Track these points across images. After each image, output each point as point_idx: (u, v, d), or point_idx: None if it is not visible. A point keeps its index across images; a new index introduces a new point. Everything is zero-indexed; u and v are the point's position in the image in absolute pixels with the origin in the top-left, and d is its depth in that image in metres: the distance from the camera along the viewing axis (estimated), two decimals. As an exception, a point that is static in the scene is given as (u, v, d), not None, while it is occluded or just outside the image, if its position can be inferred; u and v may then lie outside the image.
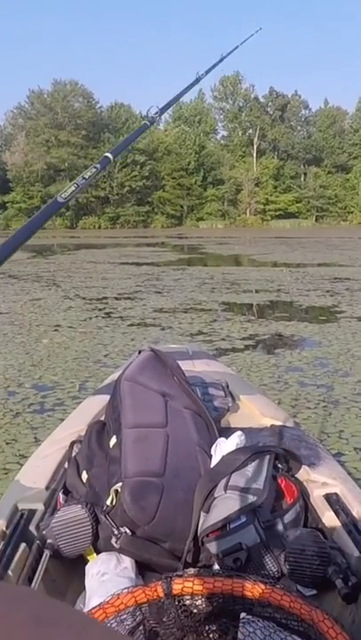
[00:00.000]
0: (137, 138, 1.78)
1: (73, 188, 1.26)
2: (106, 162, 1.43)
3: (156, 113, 1.77)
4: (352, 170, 65.02)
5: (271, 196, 62.76)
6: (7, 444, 4.07)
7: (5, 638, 0.28)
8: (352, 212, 63.63)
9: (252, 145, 66.22)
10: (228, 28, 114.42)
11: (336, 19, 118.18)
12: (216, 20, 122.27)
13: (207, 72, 2.24)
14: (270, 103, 67.28)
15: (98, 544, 1.54)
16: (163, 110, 1.80)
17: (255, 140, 65.87)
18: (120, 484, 1.52)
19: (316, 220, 63.40)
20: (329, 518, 1.63)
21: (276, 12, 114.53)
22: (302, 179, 65.81)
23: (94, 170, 1.36)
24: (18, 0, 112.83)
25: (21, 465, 2.06)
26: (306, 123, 69.33)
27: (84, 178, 1.32)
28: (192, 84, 2.11)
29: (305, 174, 65.72)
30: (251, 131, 67.53)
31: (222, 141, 69.65)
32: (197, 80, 2.16)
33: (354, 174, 64.38)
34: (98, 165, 1.38)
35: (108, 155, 1.44)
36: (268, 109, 67.27)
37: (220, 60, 2.37)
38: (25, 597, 0.32)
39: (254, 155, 65.60)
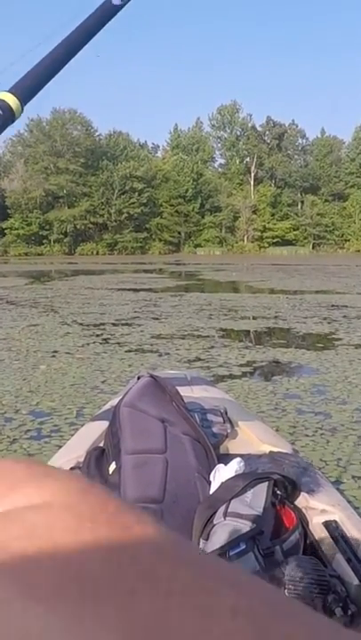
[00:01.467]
0: None
1: None
2: None
3: None
4: (349, 198, 65.68)
5: (268, 223, 63.30)
6: (4, 470, 4.04)
7: None
8: (349, 240, 64.10)
9: (250, 173, 66.93)
10: (227, 59, 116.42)
11: (334, 49, 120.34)
12: (214, 51, 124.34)
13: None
14: (267, 132, 68.23)
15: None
16: None
17: (252, 168, 66.60)
18: (119, 510, 1.52)
19: (313, 248, 63.83)
20: (328, 546, 1.62)
21: (274, 42, 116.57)
22: (299, 206, 66.43)
23: None
24: (15, 30, 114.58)
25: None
26: (303, 151, 70.23)
27: None
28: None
29: (302, 202, 66.35)
30: (248, 159, 68.35)
31: (220, 169, 70.46)
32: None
33: (351, 202, 64.99)
34: None
35: None
36: (266, 138, 68.19)
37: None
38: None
39: (252, 182, 66.25)
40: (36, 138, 62.09)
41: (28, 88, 0.64)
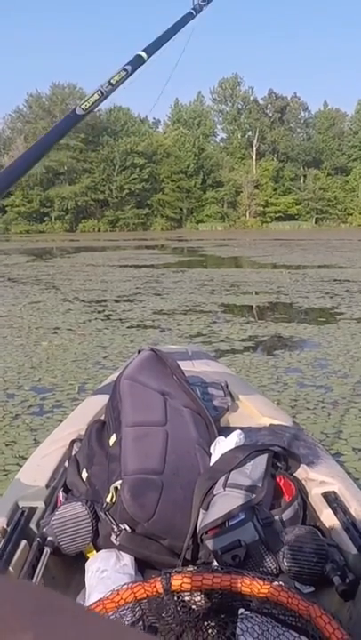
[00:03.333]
0: (177, 33, 1.41)
1: (96, 97, 1.09)
2: (139, 63, 1.20)
3: (204, 1, 1.52)
4: (352, 172, 65.13)
5: (271, 198, 62.88)
6: (7, 445, 4.08)
7: (8, 626, 0.29)
8: (352, 214, 63.71)
9: (252, 147, 66.33)
10: (228, 31, 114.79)
11: (335, 21, 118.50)
12: (215, 23, 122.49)
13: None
14: (269, 105, 67.44)
15: (98, 541, 1.55)
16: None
17: (254, 142, 65.99)
18: (120, 481, 1.53)
19: (315, 223, 63.48)
20: (327, 516, 1.64)
21: (276, 14, 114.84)
22: (302, 181, 65.92)
23: (124, 73, 1.14)
24: (17, 4, 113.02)
25: (21, 466, 2.07)
26: (305, 125, 69.49)
27: (110, 84, 1.11)
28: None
29: (304, 176, 65.82)
30: (250, 133, 67.66)
31: (221, 144, 69.79)
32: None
33: (353, 176, 64.47)
34: (128, 67, 1.16)
35: (141, 53, 1.20)
36: (268, 111, 67.43)
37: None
38: (28, 589, 0.33)
39: (254, 157, 65.71)
40: (35, 114, 61.49)
41: (6, 181, 0.74)
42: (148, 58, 1.19)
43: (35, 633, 0.29)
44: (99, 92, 1.07)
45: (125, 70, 1.13)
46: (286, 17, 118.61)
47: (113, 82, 1.10)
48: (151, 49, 1.20)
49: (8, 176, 0.84)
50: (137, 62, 1.17)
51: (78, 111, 1.04)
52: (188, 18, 1.43)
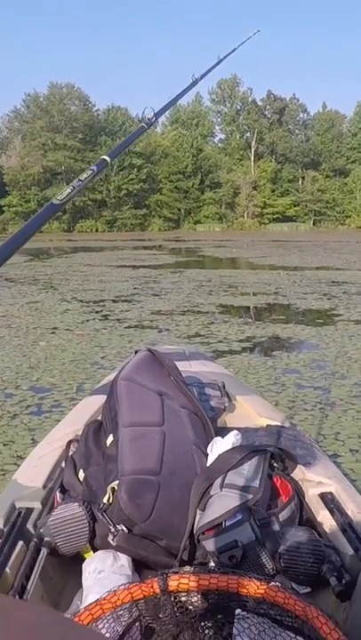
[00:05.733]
0: (134, 140, 1.77)
1: (69, 190, 1.26)
2: (103, 164, 1.41)
3: (153, 116, 1.76)
4: (350, 174, 65.09)
5: (269, 199, 62.83)
6: (5, 445, 4.08)
7: None
8: (350, 216, 63.66)
9: (250, 148, 66.30)
10: (227, 31, 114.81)
11: (335, 22, 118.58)
12: (214, 25, 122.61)
13: (203, 76, 2.19)
14: (268, 106, 67.36)
15: (95, 542, 1.55)
16: (159, 113, 1.78)
17: (253, 143, 65.95)
18: (117, 482, 1.53)
19: (313, 224, 63.46)
20: (324, 517, 1.64)
21: (275, 15, 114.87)
22: (300, 182, 65.89)
23: (90, 172, 1.34)
24: (15, 3, 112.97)
25: (18, 466, 2.07)
26: (304, 126, 69.45)
27: (80, 180, 1.31)
28: (188, 88, 2.07)
29: (303, 178, 65.78)
30: (248, 134, 67.61)
31: (220, 144, 69.71)
32: (194, 83, 2.10)
33: (352, 178, 64.44)
34: (94, 167, 1.37)
35: (105, 157, 1.43)
36: (266, 113, 67.36)
37: (218, 63, 2.32)
38: (12, 608, 0.33)
39: (252, 158, 65.66)
40: (33, 113, 61.39)
41: None
42: (111, 161, 1.45)
43: None
44: (71, 187, 1.27)
45: (92, 170, 1.35)
46: (285, 18, 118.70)
47: (82, 179, 1.32)
48: (113, 154, 1.48)
49: None
50: (101, 164, 1.40)
51: (55, 202, 1.21)
52: (141, 130, 1.74)
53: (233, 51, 2.48)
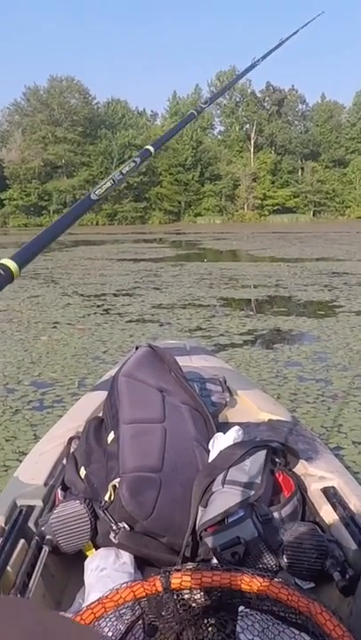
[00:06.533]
0: (182, 129, 1.62)
1: (109, 184, 1.16)
2: (146, 154, 1.33)
3: (205, 102, 1.68)
4: (349, 164, 64.97)
5: (269, 191, 62.73)
6: (7, 440, 4.08)
7: None
8: (350, 207, 63.58)
9: (250, 140, 66.12)
10: (226, 26, 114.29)
11: (332, 14, 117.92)
12: (214, 19, 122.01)
13: (264, 57, 2.16)
14: (267, 98, 67.17)
15: (96, 539, 1.55)
16: (212, 100, 1.71)
17: (252, 135, 65.77)
18: (118, 479, 1.53)
19: (313, 215, 63.36)
20: (326, 512, 1.63)
21: (272, 5, 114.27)
22: (300, 173, 65.76)
23: (133, 164, 1.26)
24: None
25: (21, 462, 2.07)
26: (303, 117, 69.25)
27: (121, 173, 1.22)
28: (247, 70, 2.08)
29: (302, 169, 65.65)
30: (248, 126, 67.41)
31: (219, 137, 69.57)
32: (253, 66, 2.10)
33: (351, 169, 64.32)
34: (137, 159, 1.28)
35: (149, 147, 1.35)
36: (265, 104, 67.17)
37: (279, 45, 2.19)
38: (20, 611, 0.33)
39: (251, 150, 65.50)
40: (33, 107, 61.28)
41: (25, 256, 0.87)
42: (155, 151, 1.36)
43: None
44: (111, 180, 1.16)
45: (135, 162, 1.25)
46: (283, 9, 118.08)
47: (123, 172, 1.22)
48: (157, 144, 1.38)
49: (31, 249, 0.93)
50: (145, 154, 1.32)
51: (92, 196, 1.13)
52: (190, 117, 1.61)
53: (296, 32, 2.42)
